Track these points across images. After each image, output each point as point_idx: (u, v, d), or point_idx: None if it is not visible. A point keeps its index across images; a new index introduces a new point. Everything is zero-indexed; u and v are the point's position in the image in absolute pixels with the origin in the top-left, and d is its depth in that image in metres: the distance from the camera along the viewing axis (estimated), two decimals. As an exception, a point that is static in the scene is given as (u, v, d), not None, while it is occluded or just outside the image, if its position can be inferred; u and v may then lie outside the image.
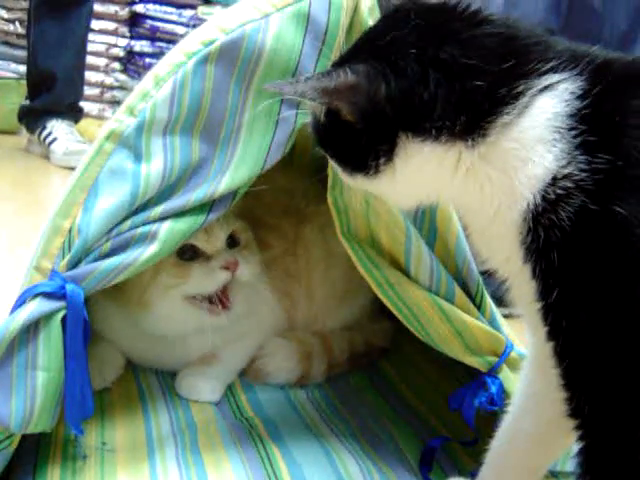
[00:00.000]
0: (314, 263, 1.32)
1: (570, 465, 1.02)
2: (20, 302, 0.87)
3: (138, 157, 0.90)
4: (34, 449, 0.99)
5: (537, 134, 0.68)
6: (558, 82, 0.68)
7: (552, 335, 0.70)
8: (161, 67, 0.91)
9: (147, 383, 1.23)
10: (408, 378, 1.33)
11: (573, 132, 0.67)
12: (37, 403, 0.86)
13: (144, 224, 0.90)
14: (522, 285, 0.71)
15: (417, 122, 0.70)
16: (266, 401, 1.21)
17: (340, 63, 0.76)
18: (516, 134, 0.68)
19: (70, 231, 0.89)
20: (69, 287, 0.86)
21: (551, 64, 0.69)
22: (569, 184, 0.66)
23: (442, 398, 1.21)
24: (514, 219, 0.69)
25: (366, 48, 0.76)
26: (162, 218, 0.91)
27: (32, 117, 3.06)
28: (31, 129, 3.08)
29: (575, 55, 0.71)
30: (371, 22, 0.92)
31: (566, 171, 0.66)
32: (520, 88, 0.68)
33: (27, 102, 3.13)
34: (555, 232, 0.66)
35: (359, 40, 0.79)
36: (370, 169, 0.74)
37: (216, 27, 0.91)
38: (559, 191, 0.66)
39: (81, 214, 0.89)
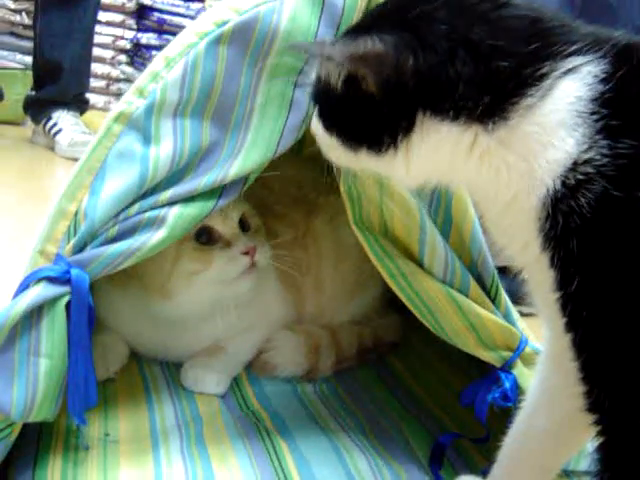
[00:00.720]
0: (323, 255, 1.30)
1: (584, 464, 1.00)
2: (23, 286, 0.84)
3: (147, 139, 0.88)
4: (35, 439, 0.97)
5: (559, 118, 0.65)
6: (581, 65, 0.66)
7: (571, 326, 0.67)
8: (172, 48, 0.89)
9: (151, 374, 1.21)
10: (417, 373, 1.31)
11: (595, 116, 0.64)
12: (39, 391, 0.84)
13: (152, 208, 0.88)
14: (539, 274, 0.69)
15: (438, 100, 0.68)
16: (273, 394, 1.18)
17: (363, 30, 0.73)
18: (538, 117, 0.66)
19: (76, 215, 0.86)
20: (74, 272, 0.84)
21: (575, 47, 0.67)
22: (590, 169, 0.64)
23: (451, 393, 1.20)
24: (532, 205, 0.67)
25: (393, 18, 0.72)
26: (171, 203, 0.88)
27: (37, 107, 3.04)
28: (36, 120, 3.06)
29: (599, 38, 0.68)
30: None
31: (587, 156, 0.64)
32: (544, 70, 0.66)
33: (33, 92, 3.11)
34: (575, 219, 0.64)
35: (383, 8, 0.76)
36: (383, 145, 0.72)
37: (229, 7, 0.88)
38: (579, 176, 0.64)
39: (87, 197, 0.86)
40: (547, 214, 0.66)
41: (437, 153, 0.71)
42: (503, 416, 1.01)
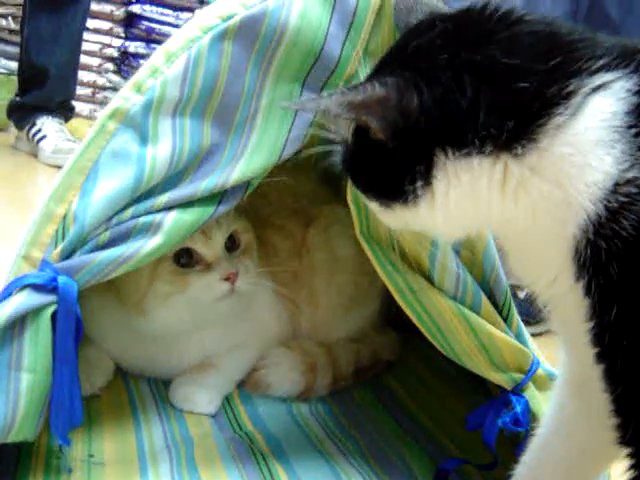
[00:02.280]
0: (317, 267, 1.25)
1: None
2: (5, 294, 0.78)
3: (144, 139, 0.83)
4: (14, 460, 0.91)
5: (594, 136, 0.61)
6: (612, 81, 0.62)
7: (604, 357, 0.63)
8: (174, 42, 0.84)
9: (138, 391, 1.14)
10: (415, 394, 1.25)
11: (633, 130, 0.60)
12: (20, 408, 0.78)
13: (147, 213, 0.82)
14: (570, 306, 0.64)
15: (456, 134, 0.63)
16: (267, 415, 1.12)
17: (366, 81, 0.69)
18: (570, 137, 0.61)
19: (64, 218, 0.81)
20: (61, 279, 0.78)
21: (602, 62, 0.62)
22: (633, 189, 0.59)
23: (453, 416, 1.16)
24: (569, 234, 0.62)
25: (392, 61, 0.70)
26: (167, 208, 0.83)
27: (22, 113, 2.99)
28: (20, 126, 3.00)
29: (626, 51, 0.64)
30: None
31: (629, 175, 0.59)
32: (571, 87, 0.62)
33: (17, 98, 3.05)
34: (616, 243, 0.59)
35: (383, 57, 0.73)
36: (408, 195, 0.67)
37: (236, 1, 0.83)
38: (622, 198, 0.59)
39: (78, 199, 0.81)
40: (587, 241, 0.61)
41: (469, 193, 0.66)
42: (507, 441, 0.96)
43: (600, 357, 0.63)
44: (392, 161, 0.67)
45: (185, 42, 0.83)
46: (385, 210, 0.71)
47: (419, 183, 0.66)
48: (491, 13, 0.67)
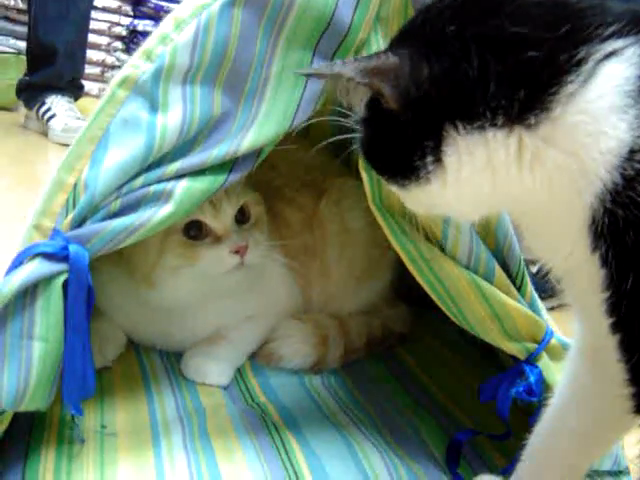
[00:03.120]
0: (329, 239, 1.24)
1: (607, 464, 0.94)
2: (17, 263, 0.77)
3: (154, 107, 0.81)
4: (27, 430, 0.91)
5: (608, 102, 0.59)
6: (623, 47, 0.60)
7: (620, 327, 0.62)
8: (183, 9, 0.82)
9: (151, 363, 1.14)
10: (427, 366, 1.25)
11: None
12: (32, 377, 0.77)
13: (158, 182, 0.81)
14: (586, 278, 0.63)
15: (466, 106, 0.62)
16: (279, 386, 1.12)
17: (379, 51, 0.70)
18: (583, 105, 0.60)
19: (75, 186, 0.80)
20: (72, 248, 0.77)
21: (612, 28, 0.61)
22: None
23: (465, 388, 1.15)
24: (585, 205, 0.61)
25: (406, 35, 0.69)
26: (178, 176, 0.82)
27: (31, 92, 2.97)
28: (29, 105, 2.99)
29: (637, 18, 0.62)
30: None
31: None
32: (582, 54, 0.60)
33: (26, 77, 3.03)
34: (633, 211, 0.58)
35: (397, 32, 0.72)
36: (419, 171, 0.66)
37: (246, -34, 0.82)
38: (638, 165, 0.58)
39: (88, 168, 0.80)
40: (604, 210, 0.60)
41: (481, 168, 0.64)
42: (523, 412, 0.96)
43: (616, 327, 0.63)
44: (403, 136, 0.66)
45: (195, 9, 0.81)
46: (402, 191, 0.70)
47: (429, 159, 0.65)
48: None
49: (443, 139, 0.64)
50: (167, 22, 0.83)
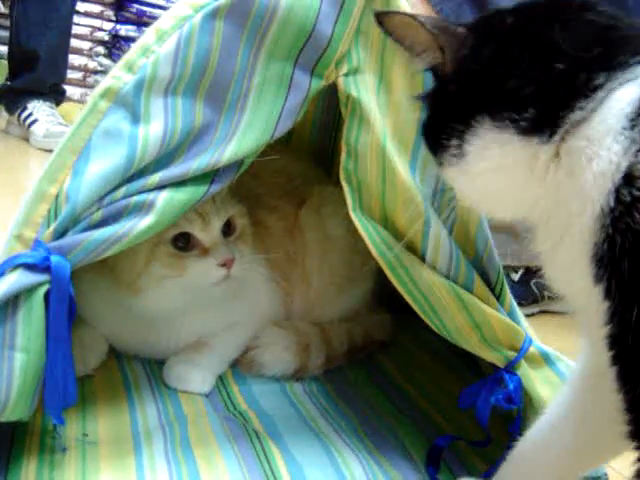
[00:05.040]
0: (309, 246, 1.25)
1: (595, 471, 0.95)
2: (-1, 274, 0.77)
3: (136, 118, 0.82)
4: (8, 440, 0.90)
5: (605, 125, 0.60)
6: None
7: (619, 359, 0.62)
8: (165, 20, 0.83)
9: (132, 371, 1.14)
10: (408, 373, 1.26)
11: None
12: (14, 388, 0.77)
13: (140, 193, 0.82)
14: (591, 310, 0.63)
15: (498, 101, 0.64)
16: (261, 394, 1.12)
17: None
18: (586, 131, 0.61)
19: (57, 197, 0.80)
20: (54, 259, 0.78)
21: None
22: None
23: (445, 395, 1.17)
24: (585, 228, 0.60)
25: (476, 21, 0.73)
26: (160, 187, 0.83)
27: (12, 97, 2.96)
28: (11, 110, 2.98)
29: None
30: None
31: None
32: (600, 80, 0.62)
33: (8, 82, 3.02)
34: (630, 238, 0.57)
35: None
36: (445, 152, 0.69)
37: (227, -21, 0.83)
38: (636, 192, 0.57)
39: (70, 179, 0.80)
40: (604, 237, 0.59)
41: (497, 168, 0.66)
42: (502, 419, 0.97)
43: (615, 359, 0.63)
44: (443, 112, 0.69)
45: (176, 21, 0.82)
46: (442, 170, 0.72)
47: (454, 142, 0.67)
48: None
49: (471, 127, 0.66)
50: (149, 33, 0.83)
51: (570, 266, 0.64)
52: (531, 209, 0.67)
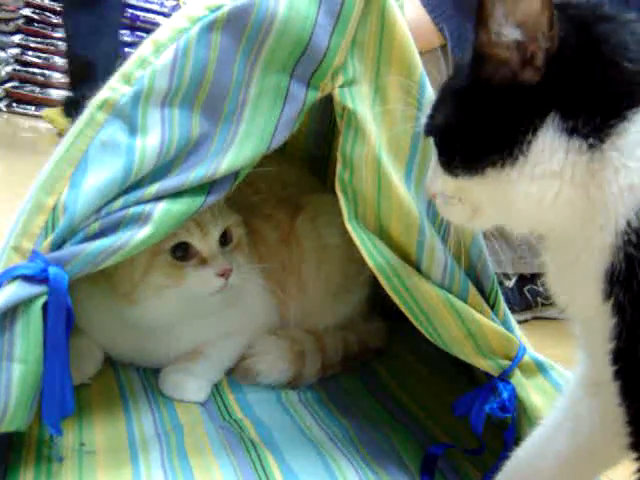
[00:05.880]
0: (305, 255, 1.25)
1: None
2: (-3, 285, 0.78)
3: (133, 130, 0.82)
4: (5, 450, 0.91)
5: (638, 135, 0.59)
6: None
7: (622, 374, 0.63)
8: (162, 32, 0.83)
9: (128, 380, 1.15)
10: (403, 381, 1.26)
11: None
12: (12, 398, 0.78)
13: (137, 204, 0.82)
14: (596, 325, 0.63)
15: (573, 102, 0.61)
16: (256, 402, 1.13)
17: None
18: (622, 142, 0.60)
19: (54, 209, 0.81)
20: (52, 270, 0.78)
21: None
22: None
23: (440, 403, 1.16)
24: (605, 243, 0.59)
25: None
26: (157, 198, 0.83)
27: (77, 108, 2.98)
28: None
29: None
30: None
31: None
32: None
33: (70, 94, 3.12)
34: None
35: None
36: (505, 152, 0.63)
37: (224, -9, 0.83)
38: None
39: (67, 190, 0.81)
40: (624, 254, 0.58)
41: (554, 175, 0.62)
42: (496, 427, 0.97)
43: (619, 374, 0.63)
44: (503, 111, 0.63)
45: (173, 33, 0.83)
46: (472, 182, 0.67)
47: (521, 138, 0.62)
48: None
49: (542, 125, 0.62)
50: (146, 45, 0.84)
51: (581, 281, 0.63)
52: (562, 221, 0.65)
